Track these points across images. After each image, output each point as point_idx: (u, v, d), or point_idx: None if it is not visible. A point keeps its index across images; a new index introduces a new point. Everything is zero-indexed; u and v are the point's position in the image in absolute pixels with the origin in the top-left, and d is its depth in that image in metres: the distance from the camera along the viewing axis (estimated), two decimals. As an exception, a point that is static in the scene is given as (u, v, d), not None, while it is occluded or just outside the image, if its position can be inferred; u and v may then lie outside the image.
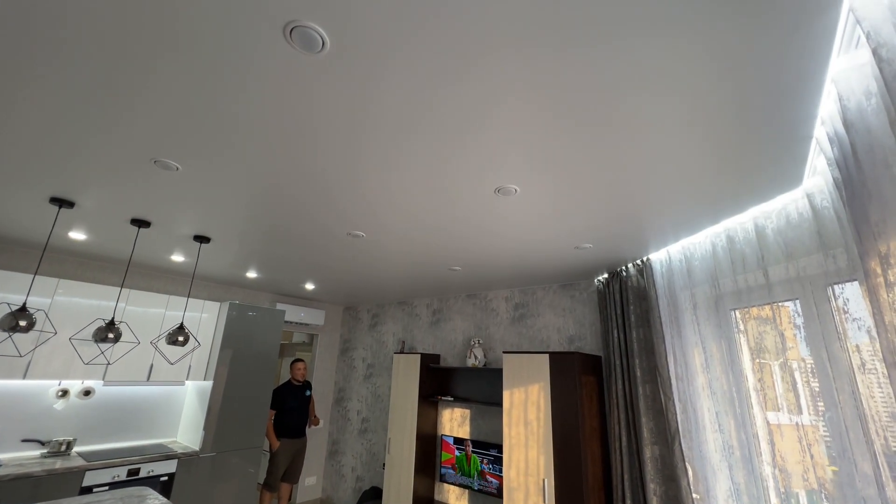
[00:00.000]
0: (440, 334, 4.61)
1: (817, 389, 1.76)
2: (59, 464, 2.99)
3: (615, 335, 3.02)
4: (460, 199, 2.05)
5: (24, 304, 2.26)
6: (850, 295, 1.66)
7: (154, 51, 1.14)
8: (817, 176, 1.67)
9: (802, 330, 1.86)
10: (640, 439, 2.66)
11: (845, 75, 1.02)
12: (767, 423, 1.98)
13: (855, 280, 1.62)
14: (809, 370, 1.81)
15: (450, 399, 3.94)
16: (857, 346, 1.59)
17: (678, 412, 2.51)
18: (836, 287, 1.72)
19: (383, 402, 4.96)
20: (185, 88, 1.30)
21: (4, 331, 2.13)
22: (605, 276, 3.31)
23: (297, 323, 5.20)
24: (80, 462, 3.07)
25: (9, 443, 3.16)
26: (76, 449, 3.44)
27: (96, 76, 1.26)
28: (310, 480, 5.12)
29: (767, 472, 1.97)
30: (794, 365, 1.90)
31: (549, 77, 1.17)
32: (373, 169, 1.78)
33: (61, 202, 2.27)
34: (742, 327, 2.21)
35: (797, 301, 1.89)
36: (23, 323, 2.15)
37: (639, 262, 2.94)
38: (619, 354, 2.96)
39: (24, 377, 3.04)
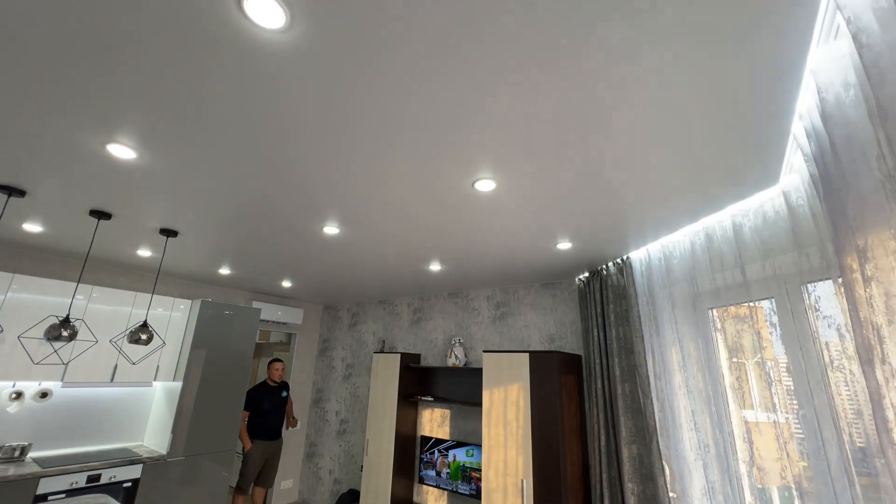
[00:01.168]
0: (421, 333, 4.54)
1: (792, 388, 1.77)
2: (11, 470, 2.80)
3: (595, 334, 3.00)
4: (438, 192, 1.98)
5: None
6: (822, 293, 1.66)
7: (97, 21, 1.04)
8: (794, 173, 1.67)
9: (778, 328, 1.87)
10: (619, 438, 2.65)
11: (824, 66, 1.00)
12: (745, 421, 1.98)
13: (828, 279, 1.62)
14: (785, 368, 1.82)
15: (430, 399, 3.87)
16: (827, 344, 1.60)
17: (656, 411, 2.50)
18: (809, 286, 1.73)
19: (362, 402, 4.86)
20: (135, 69, 1.20)
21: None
22: (586, 274, 3.30)
23: (274, 322, 5.05)
24: (35, 468, 2.88)
25: (-45, 449, 2.96)
26: (31, 455, 3.23)
27: (36, 53, 1.15)
28: (286, 483, 4.98)
29: (742, 470, 1.97)
30: (770, 363, 1.90)
31: (533, 72, 1.12)
32: (348, 161, 1.70)
33: (10, 190, 2.12)
34: (719, 326, 2.22)
35: (772, 300, 1.90)
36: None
37: (619, 260, 2.93)
38: (599, 353, 2.95)
39: (-27, 379, 2.85)
